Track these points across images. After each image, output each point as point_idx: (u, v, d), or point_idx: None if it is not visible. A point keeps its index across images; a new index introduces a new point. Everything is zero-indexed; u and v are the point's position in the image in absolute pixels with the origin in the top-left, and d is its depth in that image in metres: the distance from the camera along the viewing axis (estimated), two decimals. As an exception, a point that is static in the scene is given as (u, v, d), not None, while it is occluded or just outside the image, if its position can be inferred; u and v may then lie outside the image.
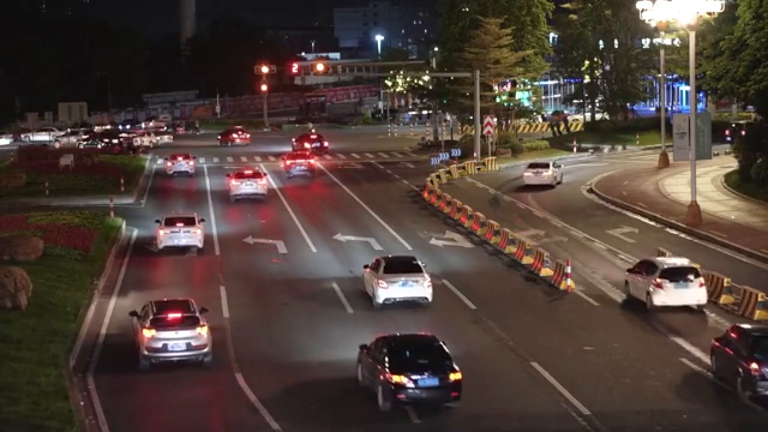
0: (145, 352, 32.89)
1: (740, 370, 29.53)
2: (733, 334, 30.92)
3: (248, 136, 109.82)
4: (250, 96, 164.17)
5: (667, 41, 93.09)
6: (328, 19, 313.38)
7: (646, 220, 58.14)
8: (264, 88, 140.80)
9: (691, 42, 57.29)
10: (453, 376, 28.81)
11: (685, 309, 38.69)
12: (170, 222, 51.67)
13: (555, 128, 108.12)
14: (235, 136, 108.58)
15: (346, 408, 29.37)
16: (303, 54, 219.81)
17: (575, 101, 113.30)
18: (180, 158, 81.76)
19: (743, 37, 67.79)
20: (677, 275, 39.11)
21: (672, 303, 38.89)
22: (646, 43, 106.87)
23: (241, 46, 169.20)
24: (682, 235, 53.58)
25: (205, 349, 33.09)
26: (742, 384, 29.51)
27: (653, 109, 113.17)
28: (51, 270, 43.68)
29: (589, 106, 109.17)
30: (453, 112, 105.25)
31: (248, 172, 69.90)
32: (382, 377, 28.96)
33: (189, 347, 32.90)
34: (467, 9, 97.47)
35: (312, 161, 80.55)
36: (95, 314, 39.31)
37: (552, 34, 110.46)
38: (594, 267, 46.20)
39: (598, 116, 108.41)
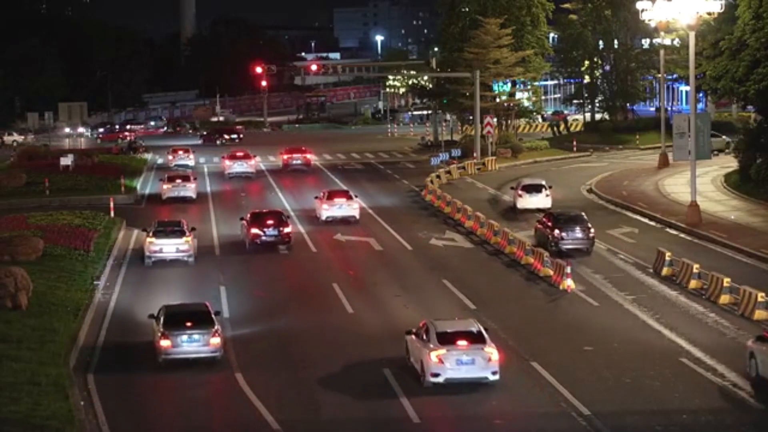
0: (147, 253, 47.76)
1: (549, 236, 49.09)
2: (545, 218, 50.88)
3: (135, 134, 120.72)
4: (250, 96, 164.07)
5: (667, 41, 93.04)
6: (328, 19, 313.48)
7: (646, 220, 58.16)
8: (264, 84, 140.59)
9: (691, 42, 57.30)
10: (286, 230, 51.19)
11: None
12: (171, 179, 68.09)
13: (555, 128, 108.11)
14: (126, 133, 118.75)
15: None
16: (303, 54, 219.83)
17: (575, 101, 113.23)
18: (180, 152, 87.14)
19: (743, 37, 67.79)
20: (531, 189, 60.82)
21: (528, 207, 59.73)
22: (646, 43, 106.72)
23: (241, 46, 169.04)
24: (682, 235, 53.58)
25: (189, 252, 47.95)
26: (549, 244, 48.60)
27: (653, 109, 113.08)
28: (51, 270, 43.70)
29: (589, 106, 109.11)
30: (453, 112, 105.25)
31: (239, 153, 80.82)
32: (247, 232, 51.04)
33: (177, 250, 47.67)
34: (467, 9, 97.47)
35: (308, 156, 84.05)
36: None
37: (552, 34, 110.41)
38: (594, 267, 46.20)
39: (598, 116, 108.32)
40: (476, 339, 31.04)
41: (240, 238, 52.54)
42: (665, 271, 43.87)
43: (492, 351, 30.83)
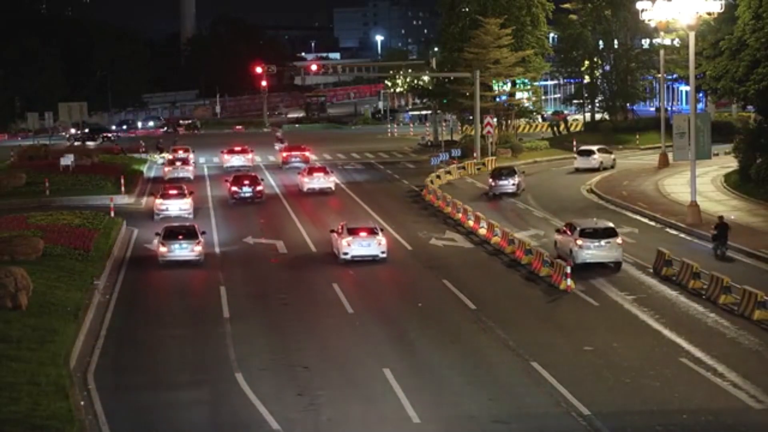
0: (156, 211, 59.78)
1: (488, 186, 67.48)
2: (489, 174, 68.53)
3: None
4: (250, 96, 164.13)
5: (667, 41, 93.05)
6: (328, 19, 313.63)
7: (646, 220, 58.16)
8: (264, 84, 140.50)
9: (690, 42, 57.31)
10: (258, 188, 65.67)
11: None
12: (171, 162, 79.52)
13: (555, 128, 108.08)
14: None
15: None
16: (303, 54, 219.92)
17: (575, 101, 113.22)
18: (180, 151, 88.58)
19: (743, 37, 67.82)
20: (584, 153, 79.31)
21: (581, 166, 77.96)
22: (646, 43, 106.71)
23: (241, 46, 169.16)
24: (682, 235, 53.59)
25: (189, 211, 59.93)
26: (489, 191, 66.97)
27: (653, 109, 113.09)
28: (51, 270, 43.66)
29: (589, 106, 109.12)
30: (453, 112, 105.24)
31: (237, 148, 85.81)
32: (228, 189, 65.99)
33: (180, 209, 59.78)
34: (467, 9, 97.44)
35: (306, 153, 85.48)
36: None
37: (552, 34, 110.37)
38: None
39: (598, 116, 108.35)
40: (372, 231, 47.28)
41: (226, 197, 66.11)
42: (665, 271, 43.87)
43: (382, 239, 47.24)
